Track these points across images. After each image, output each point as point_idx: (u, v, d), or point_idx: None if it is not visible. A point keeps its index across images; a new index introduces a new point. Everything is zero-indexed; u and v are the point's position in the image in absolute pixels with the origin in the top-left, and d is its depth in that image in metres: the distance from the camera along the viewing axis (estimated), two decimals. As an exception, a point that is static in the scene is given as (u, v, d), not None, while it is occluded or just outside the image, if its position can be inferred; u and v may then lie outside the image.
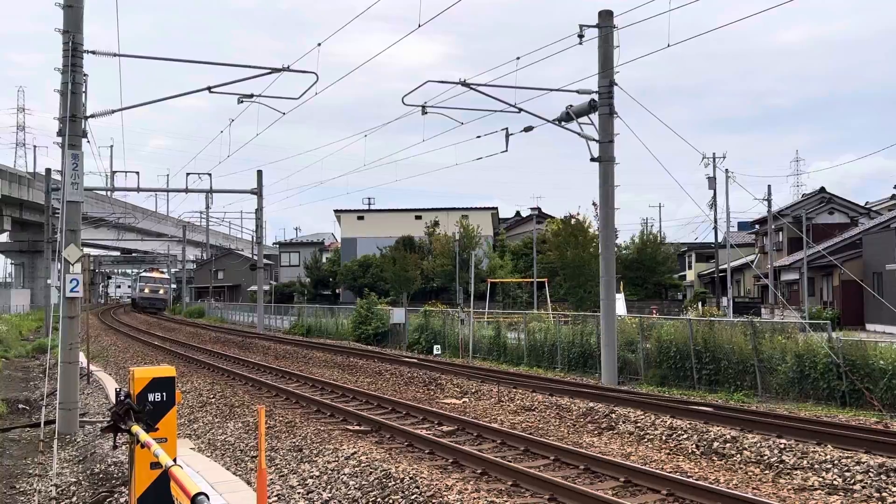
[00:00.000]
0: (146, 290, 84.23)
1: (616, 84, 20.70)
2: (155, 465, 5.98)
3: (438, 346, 29.36)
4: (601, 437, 12.75)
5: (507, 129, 22.07)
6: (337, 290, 67.11)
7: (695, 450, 11.45)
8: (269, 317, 52.38)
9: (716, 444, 11.41)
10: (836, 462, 9.93)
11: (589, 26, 20.26)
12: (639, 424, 13.02)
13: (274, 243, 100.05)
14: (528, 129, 22.14)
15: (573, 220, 54.00)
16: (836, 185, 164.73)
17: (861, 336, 21.85)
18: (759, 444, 11.02)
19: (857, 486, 9.16)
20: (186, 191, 42.98)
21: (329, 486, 9.43)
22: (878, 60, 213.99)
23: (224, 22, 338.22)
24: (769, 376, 18.59)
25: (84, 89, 14.87)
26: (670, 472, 9.89)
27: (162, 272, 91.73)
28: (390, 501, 8.64)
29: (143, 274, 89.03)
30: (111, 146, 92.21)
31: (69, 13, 14.59)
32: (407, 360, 24.85)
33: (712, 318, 24.44)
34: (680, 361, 20.58)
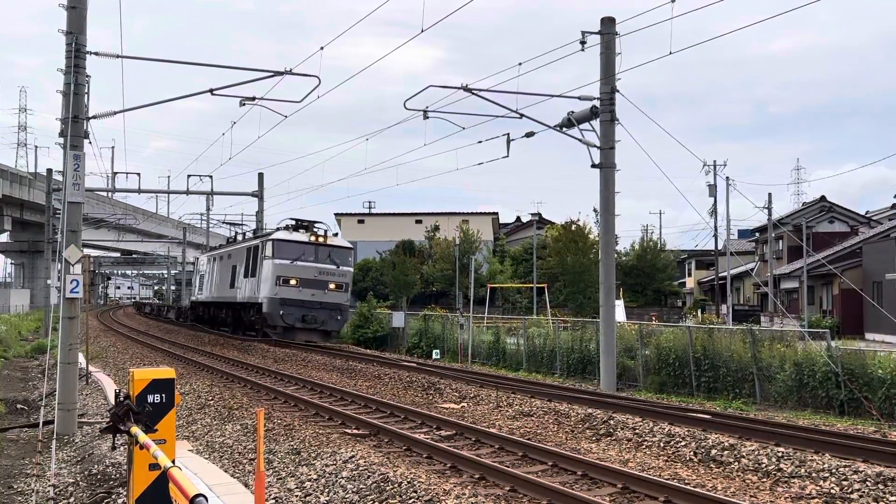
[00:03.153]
0: (292, 283, 32.11)
1: (618, 90, 20.74)
2: (153, 466, 5.99)
3: (438, 351, 29.35)
4: (599, 444, 12.75)
5: (508, 134, 22.11)
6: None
7: (693, 457, 11.45)
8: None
9: (714, 451, 11.41)
10: (833, 471, 9.94)
11: (591, 33, 20.31)
12: (637, 431, 13.02)
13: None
14: (530, 134, 22.17)
15: (573, 226, 54.10)
16: (837, 194, 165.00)
17: (860, 345, 21.86)
18: (757, 452, 11.02)
19: (855, 496, 9.16)
20: (187, 192, 43.09)
21: (327, 490, 9.43)
22: (878, 69, 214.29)
23: (226, 25, 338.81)
24: (768, 384, 18.60)
25: (86, 90, 14.91)
26: (668, 479, 9.89)
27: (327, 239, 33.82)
28: (388, 505, 8.63)
29: (282, 236, 33.09)
30: (112, 147, 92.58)
31: (72, 14, 14.62)
32: (406, 364, 24.83)
33: (711, 326, 24.45)
34: (679, 368, 20.58)
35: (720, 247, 53.55)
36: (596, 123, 20.82)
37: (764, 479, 10.18)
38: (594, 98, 20.81)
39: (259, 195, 45.67)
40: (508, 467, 10.46)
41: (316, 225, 33.66)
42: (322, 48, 19.14)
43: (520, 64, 20.37)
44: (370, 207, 75.71)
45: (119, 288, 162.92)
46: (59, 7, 14.71)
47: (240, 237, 41.44)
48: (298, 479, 10.03)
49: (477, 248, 57.60)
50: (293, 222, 33.83)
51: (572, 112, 21.08)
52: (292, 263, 31.58)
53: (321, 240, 32.84)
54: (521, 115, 21.23)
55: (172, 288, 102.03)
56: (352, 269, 35.00)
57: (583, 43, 20.00)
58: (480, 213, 69.14)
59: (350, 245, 35.53)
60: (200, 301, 46.02)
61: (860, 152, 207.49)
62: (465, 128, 22.75)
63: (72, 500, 9.97)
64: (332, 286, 32.43)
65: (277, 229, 34.04)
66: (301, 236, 32.76)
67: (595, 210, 47.80)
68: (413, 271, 56.35)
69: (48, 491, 10.39)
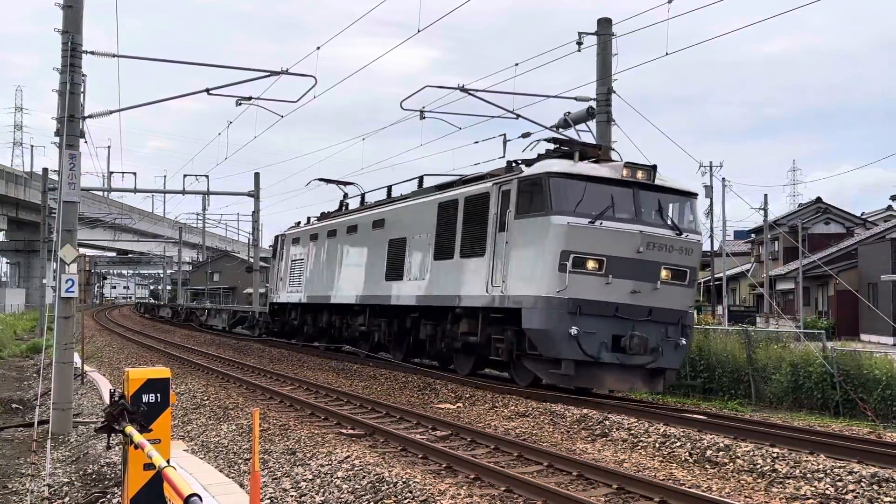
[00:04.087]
0: (590, 267, 15.31)
1: (614, 91, 20.77)
2: (148, 466, 5.99)
3: (433, 351, 29.28)
4: (595, 444, 12.76)
5: (504, 134, 22.09)
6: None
7: (688, 458, 11.45)
8: (265, 319, 51.97)
9: (709, 452, 11.42)
10: (828, 471, 9.95)
11: (588, 34, 20.35)
12: (632, 432, 13.02)
13: (270, 245, 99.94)
14: (526, 135, 22.19)
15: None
16: (834, 196, 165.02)
17: (856, 346, 21.91)
18: (752, 453, 11.03)
19: (850, 496, 9.17)
20: (183, 192, 43.05)
21: (322, 490, 9.43)
22: (875, 72, 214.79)
23: (223, 25, 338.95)
24: (763, 385, 18.64)
25: (82, 89, 14.91)
26: (663, 480, 9.90)
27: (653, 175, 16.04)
28: (383, 505, 8.63)
29: (563, 168, 15.77)
30: (109, 147, 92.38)
31: (69, 13, 14.62)
32: (402, 364, 24.81)
33: (707, 327, 24.47)
34: (674, 369, 20.59)
35: (716, 248, 53.62)
36: (592, 124, 20.85)
37: (759, 480, 10.20)
38: (590, 99, 20.85)
39: (255, 195, 45.63)
40: (504, 467, 10.46)
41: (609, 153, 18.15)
42: (318, 48, 19.18)
43: (516, 64, 20.42)
44: (366, 207, 75.53)
45: (115, 288, 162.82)
46: (56, 6, 14.71)
47: (354, 200, 27.64)
48: (294, 479, 10.03)
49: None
50: (552, 146, 17.89)
51: (569, 113, 21.11)
52: (593, 226, 15.50)
53: (640, 176, 16.23)
54: (518, 116, 21.27)
55: (168, 287, 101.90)
56: (700, 238, 17.28)
57: (579, 44, 20.05)
58: (477, 214, 68.90)
59: (693, 190, 17.51)
60: (295, 304, 29.45)
61: (856, 154, 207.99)
62: (462, 128, 22.74)
63: (67, 499, 9.96)
64: (665, 274, 15.91)
65: (524, 161, 17.21)
66: (600, 169, 16.28)
67: (591, 211, 47.79)
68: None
69: (43, 490, 10.38)
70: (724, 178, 48.16)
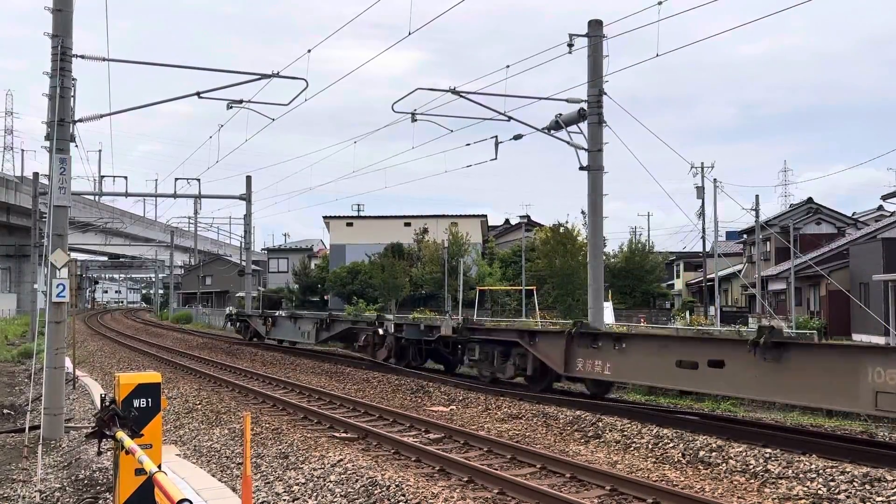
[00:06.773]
0: None
1: (605, 93, 20.77)
2: (139, 471, 5.98)
3: (426, 354, 29.24)
4: (588, 446, 12.76)
5: (496, 136, 22.08)
6: (325, 297, 67.00)
7: (681, 458, 11.47)
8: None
9: (702, 452, 11.43)
10: (821, 471, 9.97)
11: (579, 35, 20.34)
12: (625, 433, 13.03)
13: (262, 249, 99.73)
14: (518, 137, 22.18)
15: (562, 229, 54.10)
16: (826, 196, 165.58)
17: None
18: (744, 454, 11.05)
19: (842, 496, 9.20)
20: (175, 196, 42.80)
21: (315, 494, 9.41)
22: (866, 72, 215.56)
23: (211, 28, 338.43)
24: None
25: (73, 93, 14.84)
26: (656, 481, 9.91)
27: None
28: (376, 509, 8.61)
29: None
30: (99, 151, 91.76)
31: (58, 17, 14.56)
32: (395, 367, 24.79)
33: (700, 328, 24.50)
34: (667, 370, 20.58)
35: (708, 249, 53.75)
36: (584, 126, 20.83)
37: (752, 480, 10.21)
38: (582, 101, 20.83)
39: (247, 198, 45.47)
40: (497, 470, 10.46)
41: None
42: (309, 51, 19.13)
43: (507, 66, 20.41)
44: (359, 210, 75.54)
45: (107, 292, 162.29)
46: (45, 10, 14.64)
47: None
48: (286, 483, 10.00)
49: (466, 250, 57.53)
50: None
51: (560, 114, 21.09)
52: None
53: None
54: (510, 118, 21.25)
55: (160, 292, 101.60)
56: None
57: (570, 45, 20.03)
58: (469, 216, 69.01)
59: None
60: None
61: (848, 154, 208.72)
62: (454, 130, 22.73)
63: (58, 505, 9.90)
64: None
65: None
66: None
67: (583, 212, 47.88)
68: (402, 274, 56.21)
69: (34, 496, 10.32)
70: (715, 180, 48.19)
